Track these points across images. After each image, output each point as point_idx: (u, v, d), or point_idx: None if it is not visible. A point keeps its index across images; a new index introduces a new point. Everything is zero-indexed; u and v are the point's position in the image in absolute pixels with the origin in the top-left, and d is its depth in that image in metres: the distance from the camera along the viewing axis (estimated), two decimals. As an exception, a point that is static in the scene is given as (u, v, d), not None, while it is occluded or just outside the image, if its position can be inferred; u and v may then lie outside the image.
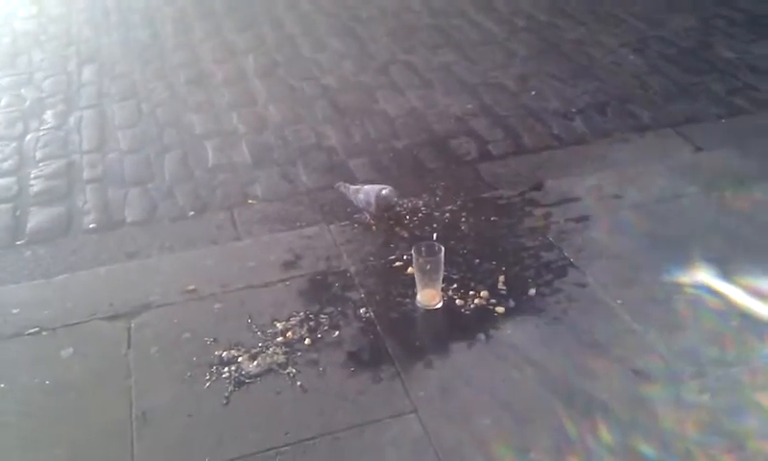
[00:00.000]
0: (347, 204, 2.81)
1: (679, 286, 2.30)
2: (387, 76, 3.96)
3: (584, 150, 3.22)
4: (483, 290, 2.30)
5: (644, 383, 1.96)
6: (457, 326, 2.19)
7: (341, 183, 2.85)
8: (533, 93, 3.72)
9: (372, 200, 2.64)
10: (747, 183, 2.77)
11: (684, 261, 2.39)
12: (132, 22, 4.81)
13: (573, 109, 3.55)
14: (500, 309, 2.23)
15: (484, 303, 2.26)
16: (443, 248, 2.24)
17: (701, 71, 3.84)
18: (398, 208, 2.71)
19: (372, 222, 2.68)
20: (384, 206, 2.65)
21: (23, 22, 4.90)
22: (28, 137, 3.53)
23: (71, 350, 2.17)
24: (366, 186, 2.73)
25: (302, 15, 4.78)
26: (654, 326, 2.15)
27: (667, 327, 2.15)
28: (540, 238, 2.55)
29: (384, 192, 2.64)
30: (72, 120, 3.66)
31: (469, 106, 3.63)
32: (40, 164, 3.31)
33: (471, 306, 2.25)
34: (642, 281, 2.33)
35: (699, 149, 3.15)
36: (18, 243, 2.80)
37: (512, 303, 2.25)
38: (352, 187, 2.77)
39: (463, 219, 2.69)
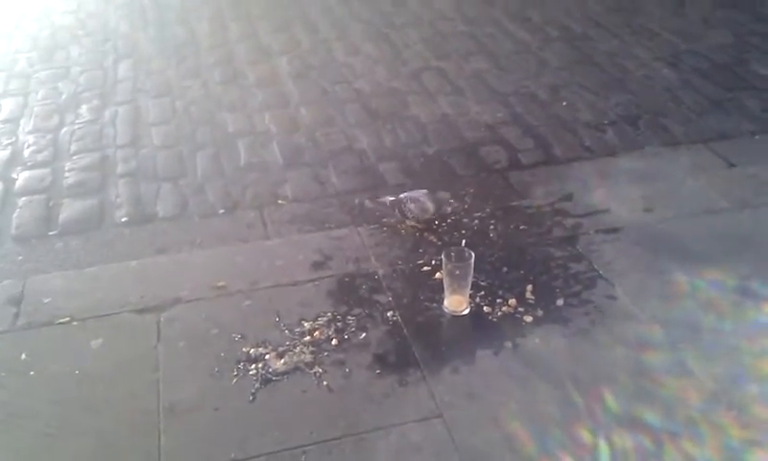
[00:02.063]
0: (377, 207, 2.82)
1: (710, 302, 2.27)
2: (419, 82, 3.97)
3: (614, 162, 3.20)
4: (511, 298, 2.30)
5: (669, 397, 1.94)
6: (484, 332, 2.19)
7: (370, 198, 2.84)
8: (564, 104, 3.70)
9: (429, 203, 2.63)
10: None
11: (716, 278, 2.37)
12: (168, 19, 4.88)
13: (605, 121, 3.53)
14: (528, 318, 2.22)
15: (512, 311, 2.26)
16: (473, 254, 2.24)
17: (735, 87, 3.80)
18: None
19: (419, 226, 2.67)
20: (443, 200, 2.64)
21: (61, 16, 4.98)
22: (63, 130, 3.59)
23: (101, 340, 2.20)
24: (409, 194, 2.69)
25: (337, 20, 4.81)
26: (684, 342, 2.13)
27: (696, 343, 2.12)
28: (570, 249, 2.54)
29: (440, 194, 2.64)
30: (107, 115, 3.71)
31: (500, 114, 3.63)
32: (74, 157, 3.36)
33: (499, 314, 2.25)
34: (672, 296, 2.31)
35: (732, 165, 3.12)
36: (51, 234, 2.85)
37: (540, 313, 2.24)
38: (389, 199, 2.73)
39: (492, 226, 2.69)
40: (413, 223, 2.66)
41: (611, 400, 1.94)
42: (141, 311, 2.31)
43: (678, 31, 4.45)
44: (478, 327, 2.21)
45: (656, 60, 4.12)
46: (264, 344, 2.15)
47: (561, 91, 3.81)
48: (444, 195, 2.67)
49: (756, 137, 3.37)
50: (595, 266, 2.45)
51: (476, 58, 4.21)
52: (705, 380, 2.00)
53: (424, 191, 2.68)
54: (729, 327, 2.19)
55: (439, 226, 2.70)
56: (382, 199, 2.77)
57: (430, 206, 2.64)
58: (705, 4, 4.82)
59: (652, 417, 1.89)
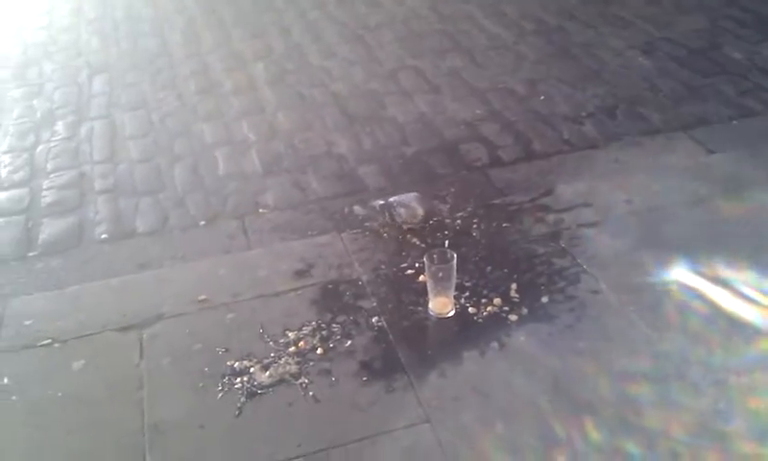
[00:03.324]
0: (366, 213, 2.81)
1: (694, 291, 2.27)
2: (396, 82, 3.96)
3: (595, 154, 3.20)
4: (496, 298, 2.29)
5: (657, 392, 1.94)
6: (470, 334, 2.18)
7: (357, 203, 2.84)
8: (542, 98, 3.70)
9: (419, 207, 2.62)
10: (760, 187, 2.75)
11: (699, 266, 2.37)
12: (140, 32, 4.83)
13: (583, 114, 3.54)
14: (513, 317, 2.22)
15: (497, 310, 2.25)
16: (455, 255, 2.23)
17: (711, 73, 3.81)
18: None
19: (409, 229, 2.66)
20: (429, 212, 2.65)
21: (33, 33, 4.92)
22: (39, 148, 3.54)
23: (83, 361, 2.17)
24: (398, 198, 2.71)
25: (311, 23, 4.78)
26: (669, 332, 2.13)
27: (681, 333, 2.13)
28: (553, 244, 2.54)
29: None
30: (83, 131, 3.67)
31: (479, 111, 3.62)
32: (52, 175, 3.32)
33: (484, 314, 2.24)
34: (657, 288, 2.31)
35: (711, 151, 3.13)
36: (31, 255, 2.81)
37: (525, 311, 2.24)
38: (379, 203, 2.73)
39: (474, 225, 2.68)
40: (404, 227, 2.65)
41: (601, 395, 1.94)
42: (123, 329, 2.29)
43: (651, 18, 4.46)
44: (464, 329, 2.20)
45: (631, 48, 4.12)
46: (249, 357, 2.13)
47: (538, 85, 3.81)
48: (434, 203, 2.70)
49: (734, 122, 3.38)
50: (579, 261, 2.44)
51: (452, 55, 4.21)
52: (685, 367, 2.00)
53: (414, 194, 2.68)
54: (713, 317, 2.19)
55: (422, 228, 2.69)
56: (372, 203, 2.76)
57: (420, 210, 2.64)
58: (678, -10, 4.83)
59: (644, 409, 1.89)
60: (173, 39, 4.70)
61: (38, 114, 3.87)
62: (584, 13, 4.61)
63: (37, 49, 4.67)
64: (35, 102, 3.99)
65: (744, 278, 2.31)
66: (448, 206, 2.84)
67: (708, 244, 2.47)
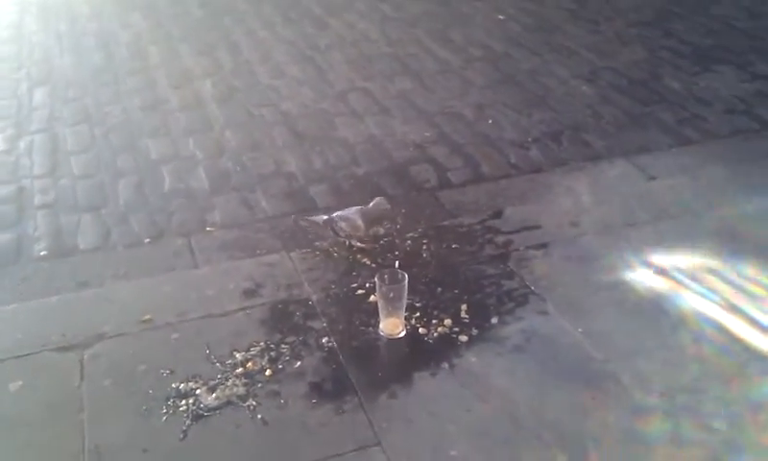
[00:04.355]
0: (308, 231, 2.79)
1: (637, 312, 2.33)
2: (346, 103, 3.96)
3: (540, 178, 3.26)
4: (446, 318, 2.29)
5: (604, 411, 1.97)
6: (420, 354, 2.17)
7: (303, 217, 2.79)
8: (490, 122, 3.76)
9: (360, 220, 2.59)
10: (698, 212, 2.84)
11: (641, 288, 2.43)
12: (85, 45, 4.73)
13: (529, 139, 3.60)
14: (463, 338, 2.22)
15: (447, 331, 2.25)
16: (406, 276, 2.23)
17: (650, 101, 3.94)
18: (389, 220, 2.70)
19: (361, 246, 2.64)
20: (377, 217, 2.61)
21: (-29, 44, 4.77)
22: (-25, 161, 3.42)
23: (20, 382, 2.08)
24: (341, 213, 2.64)
25: (260, 42, 4.77)
26: (614, 354, 2.17)
27: (627, 354, 2.17)
28: (502, 266, 2.56)
29: (372, 204, 2.61)
30: (22, 144, 3.57)
31: (428, 134, 3.65)
32: (-11, 189, 3.21)
33: (435, 335, 2.24)
34: (601, 310, 2.35)
35: (652, 178, 3.22)
36: (-35, 271, 2.70)
37: (474, 332, 2.25)
38: (323, 218, 2.68)
39: (424, 246, 2.69)
40: (347, 241, 2.63)
41: (548, 416, 1.96)
42: (63, 349, 2.20)
43: (594, 48, 4.59)
44: (414, 350, 2.20)
45: (575, 77, 4.23)
46: (194, 378, 2.08)
47: (486, 110, 3.87)
48: (380, 203, 2.65)
49: (673, 150, 3.49)
50: (527, 282, 2.47)
51: (401, 78, 4.24)
52: (631, 387, 2.04)
53: (357, 208, 2.65)
54: (657, 336, 2.24)
55: (372, 247, 2.68)
56: (315, 218, 2.74)
57: (361, 223, 2.61)
58: (618, 22, 4.99)
59: (591, 426, 1.92)
60: (118, 54, 4.62)
61: (-25, 127, 3.74)
62: (529, 41, 4.72)
63: (-25, 60, 4.52)
64: (-29, 114, 3.86)
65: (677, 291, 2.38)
66: (393, 223, 2.85)
67: (646, 264, 2.53)
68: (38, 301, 2.47)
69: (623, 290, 2.43)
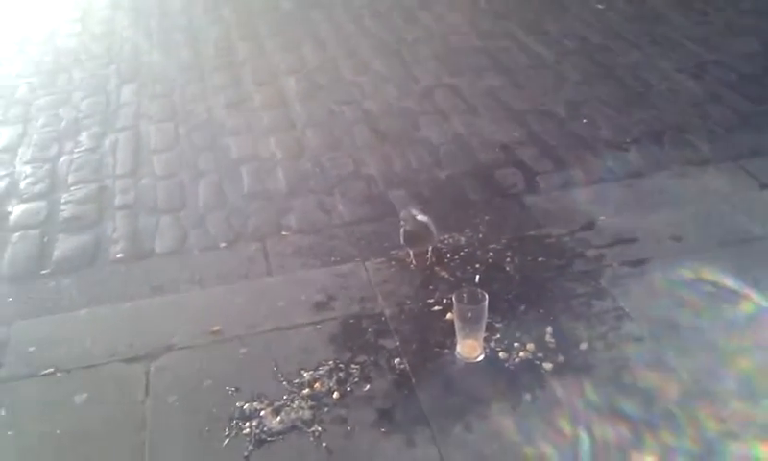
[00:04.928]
0: (384, 238, 2.66)
1: (745, 345, 2.07)
2: (431, 101, 3.80)
3: (639, 184, 3.00)
4: (529, 342, 2.12)
5: (711, 455, 1.75)
6: (500, 382, 2.01)
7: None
8: (584, 121, 3.51)
9: (419, 215, 2.47)
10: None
11: (753, 316, 2.17)
12: (174, 41, 4.75)
13: (627, 140, 3.33)
14: (548, 365, 2.04)
15: (530, 357, 2.07)
16: (486, 295, 2.06)
17: (765, 100, 3.59)
18: (437, 245, 2.53)
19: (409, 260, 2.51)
20: (410, 241, 2.47)
21: (65, 40, 4.87)
22: (62, 160, 3.46)
23: (85, 395, 2.05)
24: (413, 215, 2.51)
25: (346, 37, 4.65)
26: (721, 391, 1.93)
27: (735, 392, 1.93)
28: (593, 284, 2.35)
29: (407, 227, 2.45)
30: (107, 142, 3.58)
31: (516, 134, 3.44)
32: (72, 188, 3.22)
33: (516, 361, 2.07)
34: (705, 341, 2.11)
35: (765, 186, 2.91)
36: (43, 272, 2.71)
37: (561, 359, 2.06)
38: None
39: (508, 259, 2.51)
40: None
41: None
42: (130, 361, 2.16)
43: (701, 40, 4.24)
44: (494, 377, 2.03)
45: (679, 71, 3.91)
46: (260, 398, 1.99)
47: (580, 108, 3.62)
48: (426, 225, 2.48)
49: (791, 155, 3.15)
50: (621, 304, 2.26)
51: (490, 74, 4.03)
52: (739, 428, 1.80)
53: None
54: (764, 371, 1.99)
55: (451, 259, 2.52)
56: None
57: (419, 215, 2.47)
58: (729, 11, 4.60)
59: None
60: (206, 50, 4.61)
61: (63, 124, 3.79)
62: (629, 32, 4.41)
63: (69, 56, 4.61)
64: (61, 110, 3.92)
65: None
66: (475, 232, 2.68)
67: (759, 288, 2.26)
68: (111, 306, 2.44)
69: (732, 320, 2.17)
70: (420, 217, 2.47)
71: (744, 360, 2.03)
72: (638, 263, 2.43)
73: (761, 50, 4.07)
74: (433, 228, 2.47)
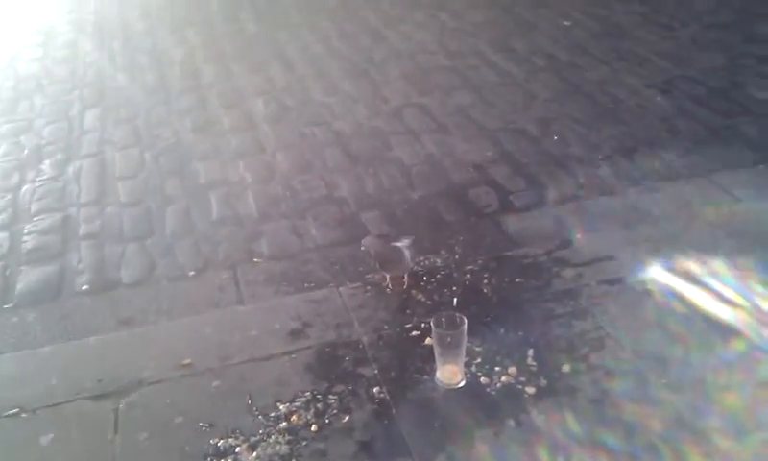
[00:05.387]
0: (359, 262, 2.61)
1: (730, 365, 2.05)
2: (401, 120, 3.77)
3: (612, 201, 2.99)
4: (511, 366, 2.07)
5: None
6: (482, 409, 1.96)
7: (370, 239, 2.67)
8: (555, 138, 3.51)
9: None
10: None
11: (735, 331, 2.15)
12: (138, 64, 4.67)
13: (599, 156, 3.33)
14: (530, 389, 1.99)
15: (512, 381, 2.03)
16: (465, 319, 2.01)
17: (732, 113, 3.62)
18: (412, 269, 2.48)
19: (386, 284, 2.46)
20: (383, 266, 2.45)
21: (27, 65, 4.77)
22: (24, 189, 3.35)
23: (51, 435, 1.95)
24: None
25: (314, 58, 4.61)
26: (707, 414, 1.90)
27: (724, 416, 1.90)
28: (572, 303, 2.32)
29: (365, 246, 2.52)
30: (71, 170, 3.48)
31: (489, 152, 3.42)
32: (35, 218, 3.12)
33: (498, 385, 2.02)
34: (689, 358, 2.08)
35: (738, 199, 2.91)
36: (6, 307, 2.60)
37: (543, 382, 2.02)
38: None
39: (485, 280, 2.47)
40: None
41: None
42: (98, 398, 2.07)
43: (668, 55, 4.28)
44: (475, 403, 1.98)
45: (648, 87, 3.94)
46: (235, 433, 1.91)
47: (551, 125, 3.62)
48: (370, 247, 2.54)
49: (761, 167, 3.17)
50: (601, 323, 2.23)
51: (460, 92, 4.02)
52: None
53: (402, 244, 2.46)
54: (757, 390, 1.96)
55: (428, 282, 2.48)
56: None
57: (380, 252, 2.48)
58: (694, 26, 4.66)
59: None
60: (171, 73, 4.53)
61: (26, 151, 3.68)
62: (597, 49, 4.44)
63: (30, 82, 4.51)
64: (23, 138, 3.81)
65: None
66: (451, 253, 2.64)
67: (742, 305, 2.25)
68: (77, 342, 2.35)
69: (714, 334, 2.15)
70: (395, 243, 2.44)
71: (733, 380, 2.01)
72: (617, 281, 2.41)
73: (727, 64, 4.12)
74: (407, 253, 2.41)
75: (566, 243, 2.64)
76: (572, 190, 3.10)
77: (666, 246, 2.57)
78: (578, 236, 2.68)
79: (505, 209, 3.00)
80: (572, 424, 1.88)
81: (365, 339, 2.24)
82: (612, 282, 2.40)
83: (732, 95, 3.79)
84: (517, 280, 2.46)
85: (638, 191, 3.04)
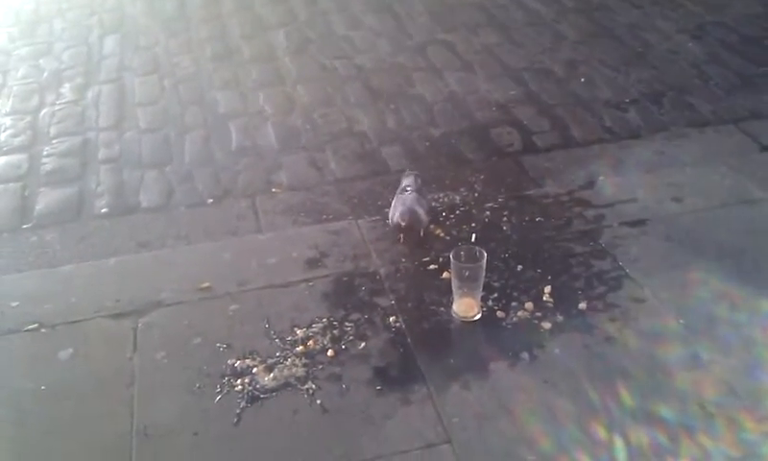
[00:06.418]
0: (377, 196, 2.60)
1: (747, 304, 2.03)
2: (425, 57, 3.70)
3: (638, 145, 2.94)
4: (527, 301, 2.06)
5: (710, 419, 1.71)
6: (497, 341, 1.95)
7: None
8: (582, 80, 3.44)
9: (393, 218, 2.31)
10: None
11: (753, 275, 2.13)
12: (158, -8, 4.60)
13: (626, 100, 3.27)
14: (546, 325, 1.99)
15: (528, 316, 2.02)
16: (484, 253, 2.00)
17: (765, 62, 3.52)
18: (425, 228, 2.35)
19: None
20: (401, 228, 2.29)
21: (47, -11, 4.71)
22: (43, 112, 3.34)
23: (71, 350, 1.98)
24: (402, 196, 2.35)
25: (337, -10, 4.52)
26: (720, 352, 1.89)
27: (736, 353, 1.89)
28: (592, 244, 2.30)
29: (397, 216, 2.28)
30: (90, 94, 3.46)
31: (513, 92, 3.36)
32: (54, 141, 3.12)
33: (514, 320, 2.01)
34: (706, 298, 2.07)
35: (765, 148, 2.86)
36: (25, 226, 2.62)
37: (559, 318, 2.01)
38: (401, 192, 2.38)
39: (505, 218, 2.45)
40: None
41: (641, 420, 1.71)
42: (117, 316, 2.09)
43: (702, 1, 4.16)
44: (491, 335, 1.98)
45: (679, 32, 3.83)
46: (252, 355, 1.93)
47: (578, 67, 3.54)
48: (404, 216, 2.28)
49: (791, 117, 3.10)
50: (621, 263, 2.21)
51: (486, 30, 3.94)
52: (744, 394, 1.77)
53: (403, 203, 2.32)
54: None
55: (447, 218, 2.46)
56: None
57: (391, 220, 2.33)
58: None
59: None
60: (192, 1, 4.46)
61: (45, 75, 3.66)
62: (629, -9, 4.32)
63: (49, 5, 4.45)
64: (42, 61, 3.79)
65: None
66: (471, 191, 2.61)
67: (761, 250, 2.22)
68: (96, 262, 2.36)
69: (733, 278, 2.12)
70: (411, 204, 2.30)
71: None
72: (639, 223, 2.38)
73: (763, 12, 4.00)
74: (423, 212, 2.31)
75: (589, 184, 2.61)
76: (598, 133, 3.05)
77: (689, 191, 2.52)
78: (601, 178, 2.64)
79: (527, 149, 2.96)
80: (587, 359, 1.88)
81: (382, 271, 2.23)
82: (633, 224, 2.37)
83: (766, 43, 3.69)
84: (537, 219, 2.44)
85: (665, 136, 2.99)
